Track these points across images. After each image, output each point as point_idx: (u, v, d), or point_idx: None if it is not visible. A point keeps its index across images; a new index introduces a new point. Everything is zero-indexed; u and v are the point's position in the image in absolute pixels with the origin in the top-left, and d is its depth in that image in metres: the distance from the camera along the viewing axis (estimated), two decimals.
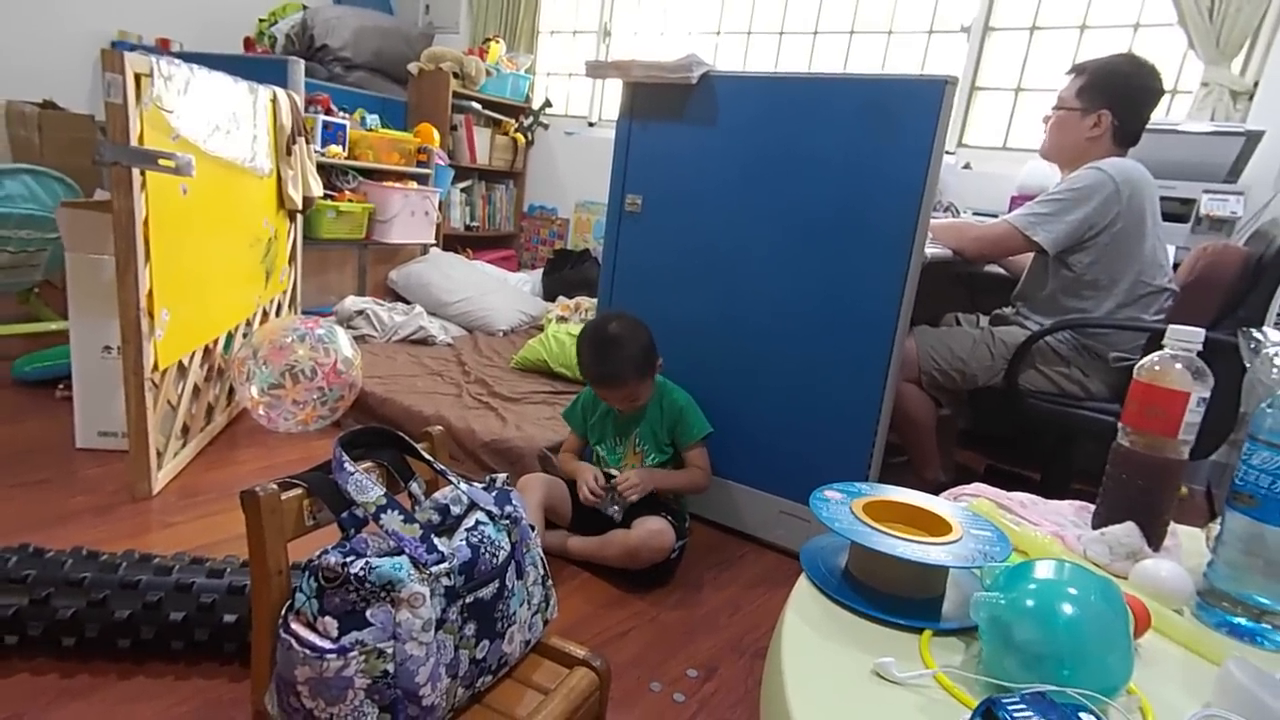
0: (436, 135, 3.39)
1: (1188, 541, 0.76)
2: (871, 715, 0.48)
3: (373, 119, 3.26)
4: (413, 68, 3.60)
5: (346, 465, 0.71)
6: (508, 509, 0.79)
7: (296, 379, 1.85)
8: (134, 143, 1.39)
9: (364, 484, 0.70)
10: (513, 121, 3.89)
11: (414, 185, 3.23)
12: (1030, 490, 0.86)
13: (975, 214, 2.25)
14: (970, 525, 0.65)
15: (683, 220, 1.74)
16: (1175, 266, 1.77)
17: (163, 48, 3.31)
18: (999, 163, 2.74)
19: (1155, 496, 0.71)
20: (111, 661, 1.10)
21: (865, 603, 0.59)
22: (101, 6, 3.29)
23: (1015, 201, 2.27)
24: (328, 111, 2.97)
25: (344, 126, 2.99)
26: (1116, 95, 1.60)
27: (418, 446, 0.82)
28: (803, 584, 0.63)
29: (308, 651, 0.64)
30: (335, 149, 2.95)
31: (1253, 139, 2.07)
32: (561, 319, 2.93)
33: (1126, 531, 0.70)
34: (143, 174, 1.43)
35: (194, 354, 1.77)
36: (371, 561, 0.65)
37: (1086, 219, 1.57)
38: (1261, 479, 0.58)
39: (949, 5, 2.89)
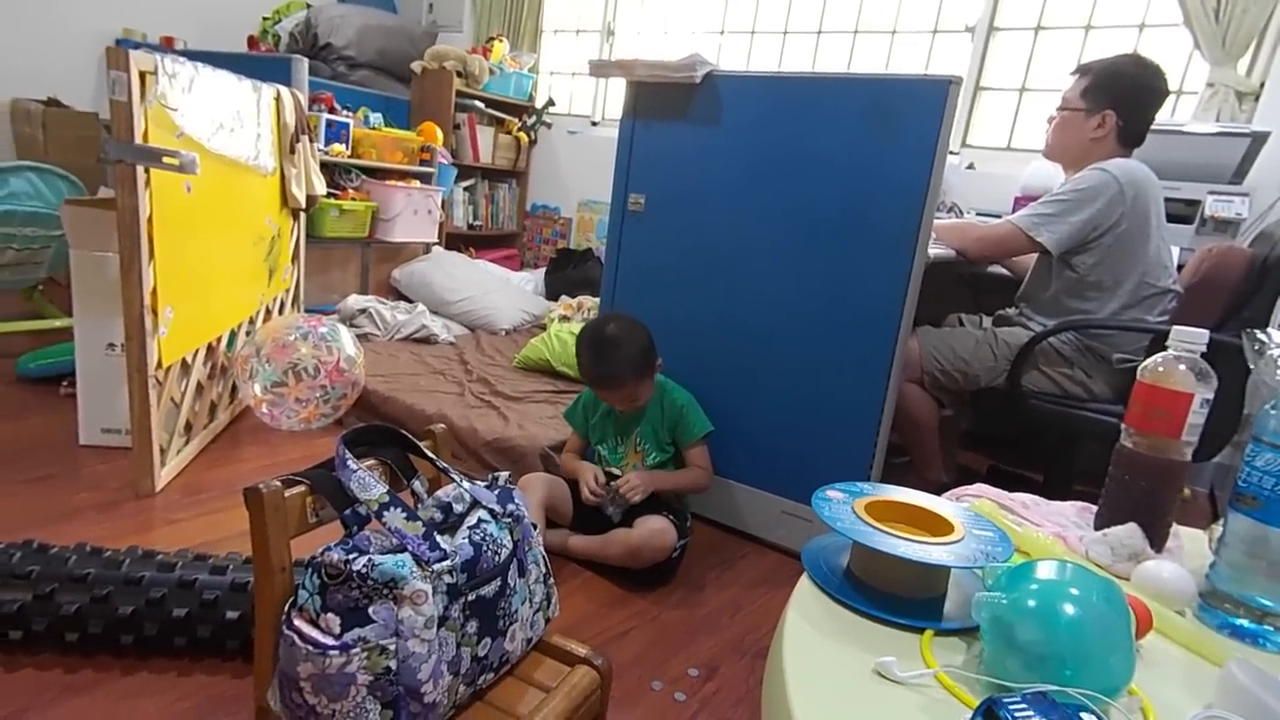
0: (440, 134, 3.40)
1: (1190, 543, 0.76)
2: (873, 714, 0.48)
3: (376, 117, 3.27)
4: (416, 66, 3.60)
5: (349, 463, 0.71)
6: (510, 507, 0.80)
7: (299, 377, 1.85)
8: (138, 140, 1.40)
9: (367, 481, 0.71)
10: (516, 120, 3.89)
11: (417, 184, 3.24)
12: (1033, 491, 0.86)
13: (979, 214, 2.25)
14: (972, 526, 0.65)
15: (685, 220, 1.74)
16: (1180, 268, 1.76)
17: (167, 46, 3.32)
18: (1003, 163, 2.74)
19: (1158, 498, 0.71)
20: (115, 657, 1.11)
21: (867, 602, 0.59)
22: (106, 4, 3.30)
23: (1019, 202, 2.27)
24: (331, 110, 2.97)
25: (347, 125, 2.99)
26: (1121, 96, 1.59)
27: (420, 445, 0.82)
28: (804, 583, 0.63)
29: (310, 648, 0.64)
30: (338, 147, 2.95)
31: (1258, 140, 2.06)
32: (564, 318, 2.93)
33: (1129, 533, 0.69)
34: (147, 172, 1.44)
35: (197, 351, 1.78)
36: (374, 559, 0.65)
37: (1090, 220, 1.57)
38: (1265, 481, 0.58)
39: (953, 5, 2.88)
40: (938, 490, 0.81)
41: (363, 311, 2.78)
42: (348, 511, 0.70)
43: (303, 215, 2.38)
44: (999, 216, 1.90)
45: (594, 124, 3.89)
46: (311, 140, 2.33)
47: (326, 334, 1.93)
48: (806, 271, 1.59)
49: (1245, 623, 0.60)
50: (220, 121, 1.71)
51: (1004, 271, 1.94)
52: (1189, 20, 2.31)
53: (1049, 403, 1.66)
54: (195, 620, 1.09)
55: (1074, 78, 1.66)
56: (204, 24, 3.62)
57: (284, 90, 2.10)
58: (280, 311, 2.33)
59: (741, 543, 1.74)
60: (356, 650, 0.64)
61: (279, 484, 0.68)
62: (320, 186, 2.38)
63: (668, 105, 1.71)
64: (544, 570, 0.84)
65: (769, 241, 1.63)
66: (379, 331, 2.74)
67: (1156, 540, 0.71)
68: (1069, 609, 0.48)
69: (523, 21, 3.88)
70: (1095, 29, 2.63)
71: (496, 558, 0.75)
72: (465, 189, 3.77)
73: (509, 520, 0.79)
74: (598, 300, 2.08)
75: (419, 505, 0.75)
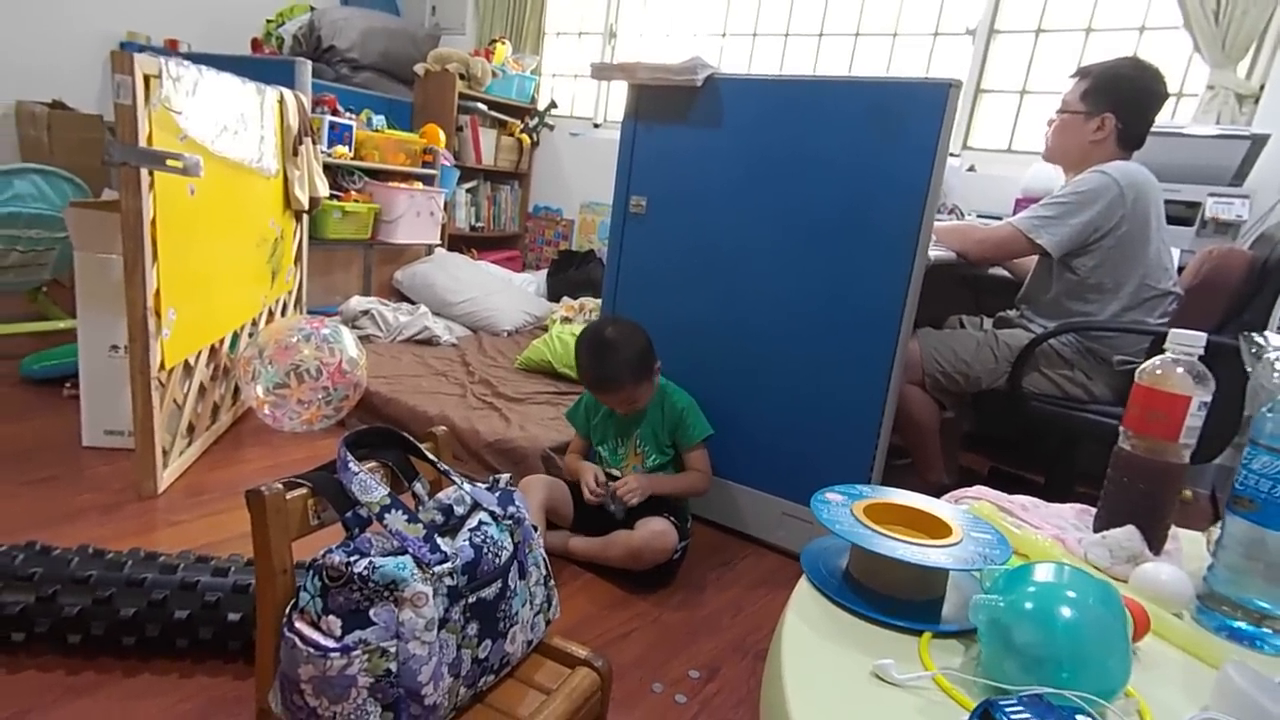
0: (442, 136, 3.40)
1: (1189, 545, 0.76)
2: (870, 716, 0.48)
3: (379, 120, 3.28)
4: (419, 69, 3.61)
5: (351, 465, 0.72)
6: (510, 509, 0.80)
7: (302, 379, 1.86)
8: (142, 143, 1.40)
9: (368, 484, 0.71)
10: (518, 122, 3.90)
11: (419, 186, 3.25)
12: (1034, 493, 0.86)
13: (980, 216, 2.25)
14: (970, 528, 0.65)
15: (687, 222, 1.74)
16: (1181, 270, 1.76)
17: (171, 48, 3.33)
18: (1004, 165, 2.74)
19: (1156, 500, 0.71)
20: (117, 659, 1.11)
21: (865, 604, 0.59)
22: (110, 7, 3.32)
23: (1020, 204, 2.27)
24: (334, 112, 2.98)
25: (350, 127, 3.00)
26: (1120, 98, 1.60)
27: (421, 447, 0.83)
28: (803, 585, 0.63)
29: (311, 650, 0.64)
30: (341, 149, 2.96)
31: (1258, 142, 2.06)
32: (566, 320, 2.94)
33: (1127, 535, 0.70)
34: (151, 174, 1.45)
35: (200, 353, 1.78)
36: (375, 561, 0.66)
37: (1091, 222, 1.57)
38: (1262, 483, 0.58)
39: (954, 8, 2.89)
40: (939, 492, 0.81)
41: (365, 313, 2.79)
42: (349, 514, 0.70)
43: (305, 217, 2.39)
44: (1000, 219, 1.90)
45: (596, 126, 3.89)
46: (314, 142, 2.33)
47: (329, 335, 1.93)
48: (807, 273, 1.60)
49: (1243, 625, 0.60)
50: (224, 124, 1.72)
51: (1005, 273, 1.94)
52: (1189, 23, 2.31)
53: (1050, 404, 1.66)
54: (197, 622, 1.10)
55: (1073, 81, 1.67)
56: (208, 26, 3.64)
57: (287, 93, 2.11)
58: (283, 313, 2.34)
59: (742, 544, 1.74)
60: (357, 652, 0.64)
61: (280, 486, 0.69)
62: (323, 188, 2.39)
63: (669, 108, 1.72)
64: (544, 572, 0.84)
65: (770, 243, 1.64)
66: (381, 333, 2.74)
67: (1155, 542, 0.71)
68: (1066, 612, 0.48)
69: (525, 24, 3.89)
70: (1095, 32, 2.64)
71: (497, 560, 0.75)
72: (468, 191, 3.78)
73: (510, 522, 0.79)
74: (599, 301, 2.09)
75: (420, 507, 0.76)
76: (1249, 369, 0.68)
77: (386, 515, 0.70)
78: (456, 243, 3.68)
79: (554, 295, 3.39)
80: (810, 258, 1.59)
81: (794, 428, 1.65)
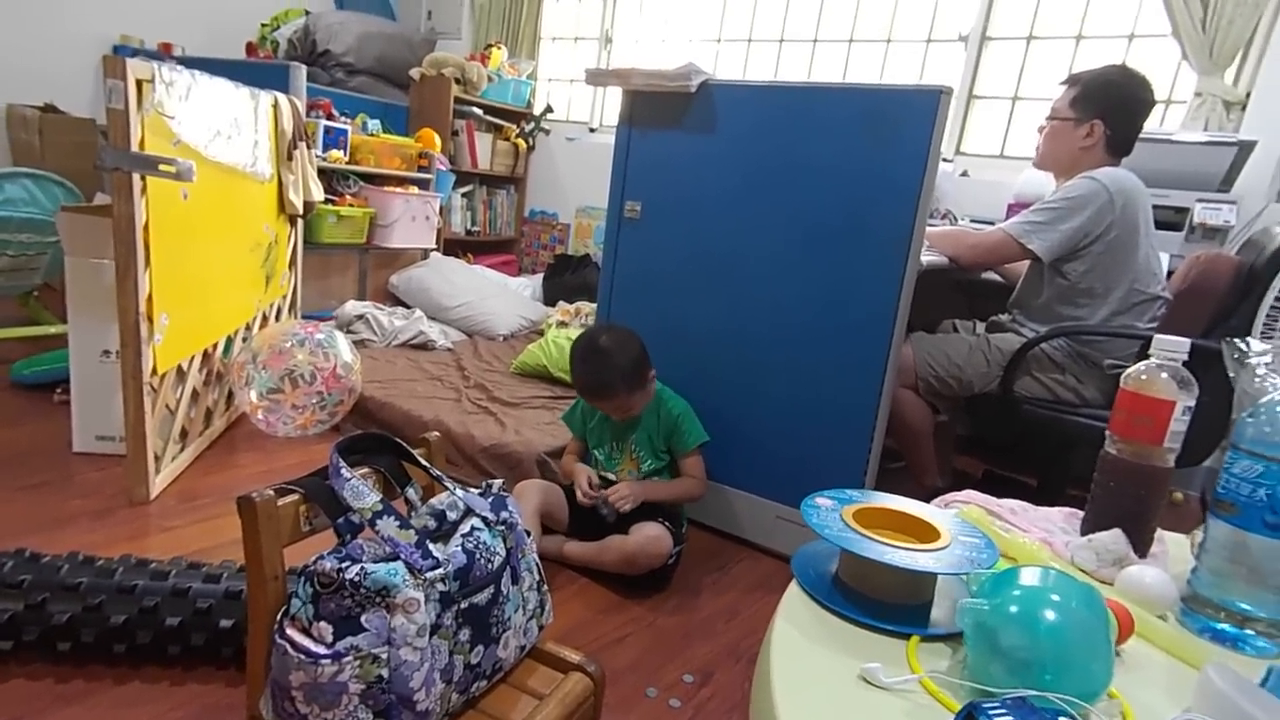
0: (438, 140, 3.41)
1: (1175, 548, 0.77)
2: (857, 719, 0.49)
3: (374, 124, 3.28)
4: (414, 73, 3.62)
5: (343, 471, 0.72)
6: (503, 515, 0.80)
7: (296, 384, 1.86)
8: (135, 148, 1.40)
9: (360, 490, 0.71)
10: (514, 127, 3.91)
11: (415, 190, 3.25)
12: (1027, 496, 0.87)
13: (973, 221, 2.26)
14: (959, 532, 0.65)
15: (681, 227, 1.75)
16: (1170, 274, 1.78)
17: (165, 52, 3.33)
18: (996, 170, 2.76)
19: (1142, 504, 0.72)
20: (107, 666, 1.11)
21: (854, 608, 0.60)
22: (104, 11, 3.31)
23: (1012, 209, 2.29)
24: (329, 116, 2.98)
25: (345, 131, 3.00)
26: (1109, 106, 1.61)
27: (414, 453, 0.83)
28: (793, 590, 0.63)
29: (303, 657, 0.64)
30: (336, 154, 2.96)
31: (1245, 149, 2.09)
32: (562, 324, 2.94)
33: (1113, 538, 0.70)
34: (143, 179, 1.44)
35: (193, 358, 1.78)
36: (367, 567, 0.66)
37: (1081, 228, 1.59)
38: (1242, 487, 0.59)
39: (947, 14, 2.91)
40: (933, 495, 0.82)
41: (360, 317, 2.79)
42: (341, 520, 0.70)
43: (300, 221, 2.38)
44: (993, 224, 1.91)
45: (592, 130, 3.91)
46: (309, 147, 2.33)
47: (323, 340, 1.93)
48: (801, 278, 1.61)
49: (1226, 627, 0.61)
50: (217, 129, 1.72)
51: (998, 278, 1.96)
52: (1177, 31, 2.34)
53: (1041, 408, 1.67)
54: (189, 629, 1.09)
55: (1063, 88, 1.68)
56: (202, 30, 3.64)
57: (281, 97, 2.11)
58: (277, 318, 2.34)
59: (737, 548, 1.75)
60: (349, 659, 0.64)
61: (272, 493, 0.69)
62: (318, 193, 2.39)
63: (664, 114, 1.73)
64: (537, 577, 0.85)
65: (763, 248, 1.64)
66: (376, 337, 2.74)
67: (1141, 545, 0.72)
68: (1049, 615, 0.48)
69: (521, 29, 3.91)
70: (1086, 39, 2.66)
71: (489, 565, 0.75)
72: (463, 195, 3.79)
73: (502, 528, 0.79)
74: (595, 306, 2.09)
75: (412, 513, 0.76)
76: (1231, 374, 0.69)
77: (379, 521, 0.70)
78: (452, 247, 3.68)
79: (550, 300, 3.40)
80: (804, 263, 1.60)
81: (788, 432, 1.66)
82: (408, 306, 3.07)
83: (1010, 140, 2.84)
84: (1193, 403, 0.68)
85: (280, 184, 2.17)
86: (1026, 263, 1.73)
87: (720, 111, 1.66)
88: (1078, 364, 1.65)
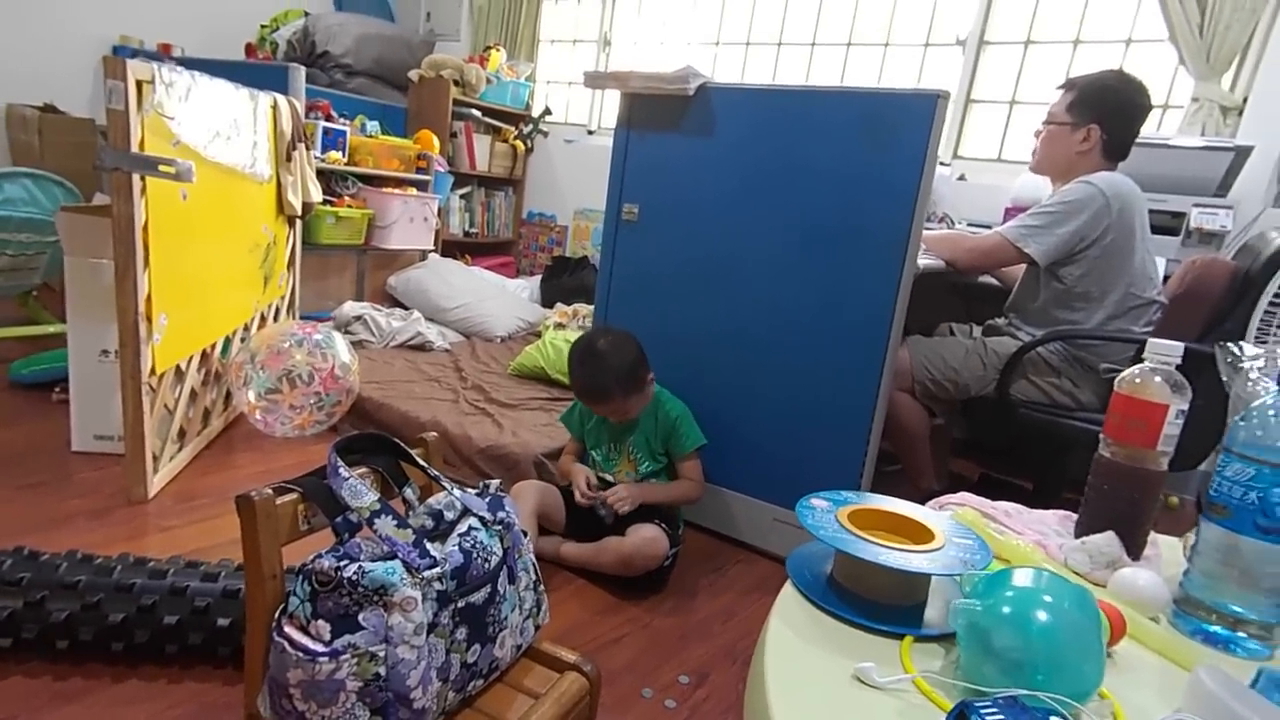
0: (436, 142, 3.41)
1: (1168, 551, 0.78)
2: (850, 719, 0.49)
3: (373, 125, 3.28)
4: (413, 75, 3.63)
5: (341, 471, 0.72)
6: (500, 515, 0.80)
7: (294, 384, 1.86)
8: (135, 148, 1.41)
9: (358, 489, 0.71)
10: (512, 129, 3.91)
11: (413, 191, 3.25)
12: (1023, 499, 0.87)
13: (970, 225, 2.27)
14: (953, 534, 0.66)
15: (679, 229, 1.76)
16: (1166, 279, 1.79)
17: (164, 53, 3.33)
18: (993, 174, 2.77)
19: (1136, 506, 0.73)
20: (105, 665, 1.11)
21: (849, 609, 0.60)
22: (103, 11, 3.32)
23: (1009, 213, 2.29)
24: (328, 118, 2.99)
25: (344, 133, 3.01)
26: (1105, 110, 1.62)
27: (412, 453, 0.83)
28: (788, 590, 0.64)
29: (300, 654, 0.65)
30: (335, 155, 2.97)
31: (1242, 154, 2.10)
32: (559, 326, 2.94)
33: (1107, 541, 0.71)
34: (143, 179, 1.45)
35: (191, 358, 1.78)
36: (364, 566, 0.66)
37: (1077, 232, 1.59)
38: (1234, 490, 0.60)
39: (945, 19, 2.92)
40: (928, 498, 0.82)
41: (358, 318, 2.79)
42: (339, 519, 0.71)
43: (299, 222, 2.39)
44: (989, 227, 1.92)
45: (590, 133, 3.91)
46: (308, 148, 2.34)
47: (321, 341, 1.93)
48: (798, 281, 1.61)
49: (1217, 629, 0.61)
50: (217, 130, 1.73)
51: (995, 282, 1.97)
52: (1174, 36, 2.35)
53: (1038, 411, 1.68)
54: (186, 627, 1.09)
55: (1060, 92, 1.69)
56: (202, 31, 3.64)
57: (280, 98, 2.12)
58: (275, 318, 2.34)
59: (734, 550, 1.75)
60: (346, 657, 0.65)
61: (270, 492, 0.69)
62: (316, 194, 2.39)
63: (662, 117, 1.73)
64: (534, 577, 0.85)
65: (761, 251, 1.65)
66: (374, 338, 2.74)
67: (1134, 548, 0.72)
68: (1041, 616, 0.49)
69: (520, 31, 3.92)
70: (1083, 44, 2.67)
71: (486, 565, 0.76)
72: (461, 196, 3.79)
73: (499, 528, 0.79)
74: (593, 308, 2.10)
75: (410, 513, 0.76)
76: (1224, 378, 0.70)
77: (376, 520, 0.70)
78: (450, 248, 3.68)
79: (547, 301, 3.40)
80: (801, 266, 1.60)
81: (785, 434, 1.66)
82: (406, 308, 3.07)
83: (1007, 144, 2.84)
84: (1186, 406, 0.69)
85: (279, 185, 2.17)
86: (1023, 266, 1.74)
87: (718, 114, 1.67)
88: (1073, 368, 1.66)
